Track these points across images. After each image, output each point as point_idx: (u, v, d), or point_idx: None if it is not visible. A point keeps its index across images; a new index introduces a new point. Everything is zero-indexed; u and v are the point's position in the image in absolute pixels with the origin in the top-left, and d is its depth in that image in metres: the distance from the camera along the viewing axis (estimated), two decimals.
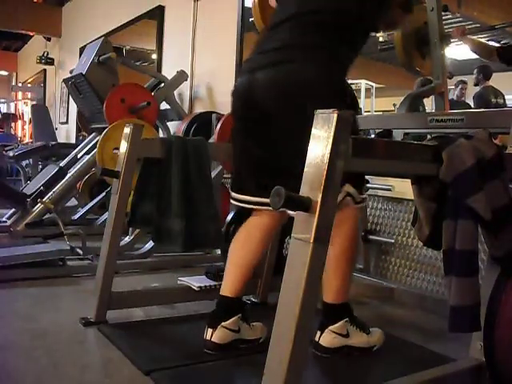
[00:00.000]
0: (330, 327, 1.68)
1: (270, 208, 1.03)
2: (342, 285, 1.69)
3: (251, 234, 1.80)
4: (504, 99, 4.43)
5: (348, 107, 1.52)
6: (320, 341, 1.68)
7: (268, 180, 1.52)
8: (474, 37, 3.25)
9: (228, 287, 1.75)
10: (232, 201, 1.82)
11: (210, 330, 1.67)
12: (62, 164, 4.02)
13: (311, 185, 1.02)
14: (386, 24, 1.93)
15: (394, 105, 7.05)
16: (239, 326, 1.71)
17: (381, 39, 7.67)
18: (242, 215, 2.33)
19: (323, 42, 1.63)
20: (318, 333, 1.69)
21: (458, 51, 3.38)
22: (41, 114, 7.85)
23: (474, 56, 3.40)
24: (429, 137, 2.47)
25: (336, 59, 1.64)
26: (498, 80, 4.24)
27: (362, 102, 7.60)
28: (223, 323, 1.67)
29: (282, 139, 1.62)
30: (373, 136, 3.04)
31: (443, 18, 2.96)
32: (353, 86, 2.21)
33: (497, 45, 3.35)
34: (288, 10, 1.70)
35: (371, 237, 2.61)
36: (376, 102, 8.55)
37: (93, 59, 3.58)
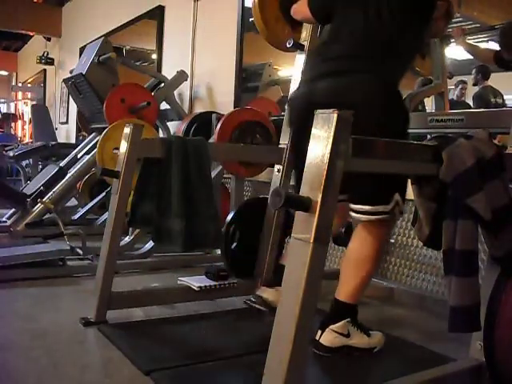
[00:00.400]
0: (331, 326, 1.69)
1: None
2: (359, 287, 1.71)
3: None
4: (503, 99, 4.43)
5: (405, 119, 1.73)
6: (321, 340, 1.68)
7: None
8: (473, 37, 3.25)
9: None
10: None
11: (319, 331, 1.71)
12: (62, 164, 4.02)
13: (311, 185, 1.02)
14: (431, 35, 2.02)
15: None
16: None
17: None
18: (242, 215, 2.34)
19: (381, 56, 1.72)
20: (319, 332, 1.70)
21: (458, 51, 3.38)
22: (41, 114, 7.84)
23: (472, 56, 3.40)
24: (429, 137, 2.47)
25: (393, 73, 1.74)
26: (496, 80, 4.23)
27: None
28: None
29: None
30: None
31: None
32: None
33: (497, 47, 3.36)
34: (353, 25, 1.75)
35: None
36: None
37: (93, 59, 3.58)
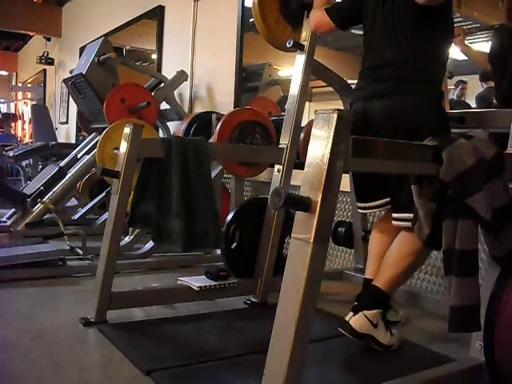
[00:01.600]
0: (365, 311, 1.71)
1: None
2: (400, 277, 1.75)
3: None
4: None
5: (450, 132, 1.80)
6: (351, 321, 1.71)
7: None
8: (474, 37, 3.26)
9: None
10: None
11: (351, 313, 1.73)
12: (62, 164, 4.01)
13: (311, 185, 1.02)
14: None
15: None
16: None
17: None
18: (242, 215, 2.34)
19: (432, 76, 1.81)
20: (351, 313, 1.72)
21: (458, 51, 3.38)
22: (41, 114, 7.85)
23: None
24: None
25: (439, 91, 1.84)
26: None
27: None
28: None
29: None
30: None
31: None
32: (353, 87, 2.23)
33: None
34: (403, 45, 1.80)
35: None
36: None
37: (93, 59, 3.58)
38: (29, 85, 11.29)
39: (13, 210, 3.81)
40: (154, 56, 5.30)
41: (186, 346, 1.78)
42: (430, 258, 2.37)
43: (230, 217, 2.32)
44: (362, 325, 1.70)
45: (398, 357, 1.75)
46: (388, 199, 1.90)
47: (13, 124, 11.26)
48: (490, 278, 1.41)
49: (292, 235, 1.05)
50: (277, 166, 2.22)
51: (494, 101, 4.09)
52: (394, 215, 1.82)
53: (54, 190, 3.60)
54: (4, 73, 12.95)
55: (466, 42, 3.06)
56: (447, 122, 1.84)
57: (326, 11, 2.02)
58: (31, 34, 9.57)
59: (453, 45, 2.85)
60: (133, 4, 5.68)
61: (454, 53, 3.54)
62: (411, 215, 1.62)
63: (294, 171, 2.21)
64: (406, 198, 1.65)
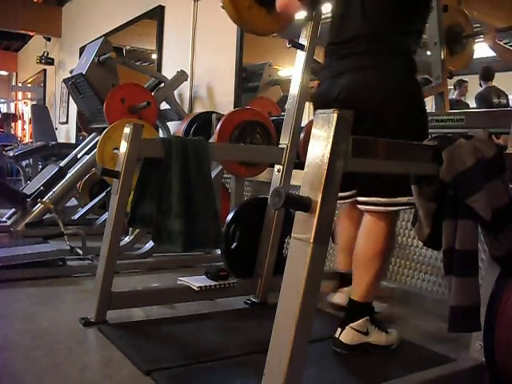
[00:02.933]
0: (351, 324, 1.72)
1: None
2: (370, 285, 1.74)
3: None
4: (507, 99, 4.42)
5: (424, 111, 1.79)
6: (340, 337, 1.71)
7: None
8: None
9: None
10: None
11: (339, 330, 1.74)
12: (62, 164, 4.01)
13: (311, 185, 1.02)
14: None
15: None
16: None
17: None
18: (242, 215, 2.34)
19: (400, 47, 1.73)
20: (339, 330, 1.73)
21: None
22: (41, 114, 7.85)
23: (474, 56, 3.41)
24: (429, 137, 2.47)
25: (411, 62, 1.76)
26: (501, 79, 4.22)
27: None
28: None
29: None
30: None
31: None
32: None
33: None
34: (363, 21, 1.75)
35: None
36: None
37: (93, 59, 3.58)
38: (29, 85, 11.29)
39: (13, 209, 3.81)
40: (154, 56, 5.30)
41: (186, 346, 1.78)
42: (430, 257, 2.38)
43: (229, 217, 2.32)
44: (353, 337, 1.71)
45: (398, 357, 1.75)
46: (354, 191, 1.87)
47: (13, 124, 11.28)
48: (490, 278, 1.41)
49: (292, 235, 1.05)
50: (277, 166, 2.22)
51: (494, 100, 4.09)
52: (361, 199, 1.79)
53: (54, 190, 3.59)
54: (4, 73, 12.95)
55: (496, 40, 3.12)
56: (419, 103, 1.77)
57: None
58: (31, 34, 9.57)
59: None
60: (133, 4, 5.68)
61: None
62: (379, 199, 1.69)
63: (294, 171, 2.21)
64: (376, 184, 1.70)
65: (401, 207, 1.73)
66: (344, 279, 2.10)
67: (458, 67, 3.40)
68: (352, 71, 1.75)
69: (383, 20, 1.73)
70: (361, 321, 1.72)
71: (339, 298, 2.12)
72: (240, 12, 2.21)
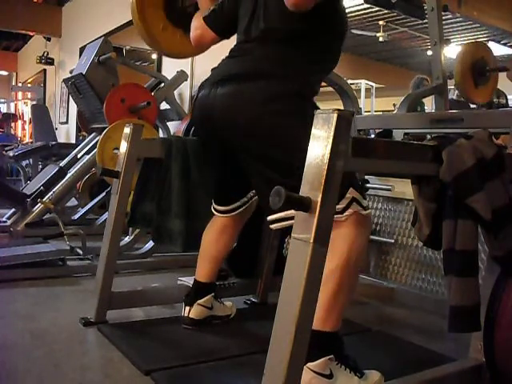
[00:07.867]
0: (309, 364, 1.28)
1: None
2: (333, 307, 1.34)
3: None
4: (506, 99, 4.43)
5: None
6: None
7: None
8: (474, 36, 3.33)
9: (203, 274, 1.95)
10: None
11: (187, 308, 1.88)
12: (62, 164, 4.01)
13: (311, 185, 1.02)
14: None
15: (394, 105, 7.07)
16: (212, 304, 1.93)
17: (381, 39, 7.68)
18: None
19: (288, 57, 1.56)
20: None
21: (458, 51, 3.39)
22: (41, 114, 7.85)
23: None
24: (429, 137, 2.47)
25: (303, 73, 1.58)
26: (501, 79, 4.23)
27: (362, 102, 7.60)
28: (199, 301, 1.88)
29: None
30: (373, 136, 3.04)
31: (443, 17, 2.97)
32: (353, 86, 2.22)
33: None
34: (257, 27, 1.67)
35: (371, 237, 2.60)
36: (376, 102, 8.56)
37: (93, 59, 3.57)
38: (29, 85, 11.29)
39: (13, 209, 3.82)
40: (154, 56, 5.30)
41: (185, 346, 1.78)
42: (430, 258, 2.37)
43: None
44: (310, 382, 1.28)
45: (398, 357, 1.75)
46: (245, 199, 1.84)
47: (13, 124, 11.28)
48: (490, 278, 1.41)
49: (292, 235, 1.05)
50: None
51: (494, 100, 4.10)
52: (271, 218, 1.43)
53: (53, 190, 3.59)
54: (4, 73, 12.95)
55: None
56: (301, 123, 1.25)
57: (204, 20, 1.82)
58: (31, 34, 9.57)
59: (453, 45, 2.87)
60: None
61: (454, 53, 3.54)
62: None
63: None
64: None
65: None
66: None
67: (481, 100, 3.47)
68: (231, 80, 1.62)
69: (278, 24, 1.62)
70: (321, 360, 1.30)
71: None
72: (153, 35, 2.07)
